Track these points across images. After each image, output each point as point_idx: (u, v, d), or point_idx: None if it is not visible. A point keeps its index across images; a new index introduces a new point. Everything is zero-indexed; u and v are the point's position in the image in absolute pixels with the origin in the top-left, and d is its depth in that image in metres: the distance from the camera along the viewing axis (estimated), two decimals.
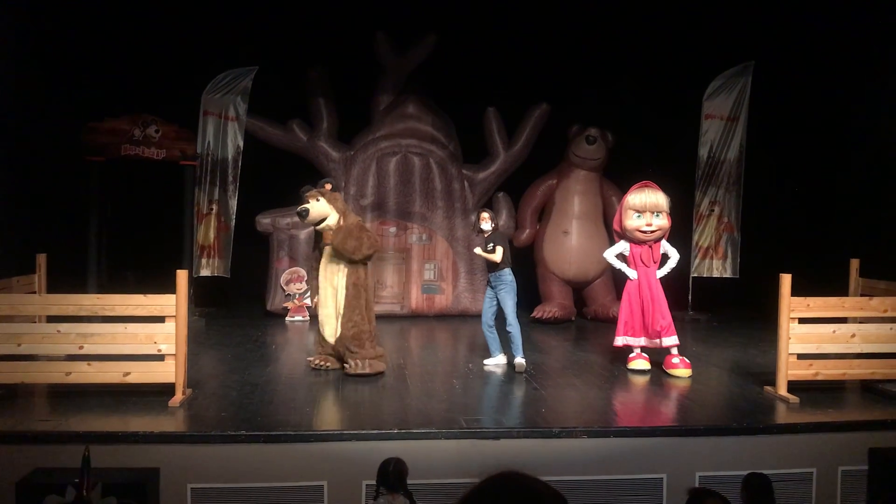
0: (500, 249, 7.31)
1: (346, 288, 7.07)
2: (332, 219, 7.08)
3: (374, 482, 4.51)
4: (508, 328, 7.35)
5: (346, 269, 7.09)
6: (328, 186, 7.38)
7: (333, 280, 7.14)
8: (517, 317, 7.42)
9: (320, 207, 7.04)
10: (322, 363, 7.16)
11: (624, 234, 7.49)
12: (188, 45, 10.02)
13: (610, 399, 6.52)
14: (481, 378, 7.16)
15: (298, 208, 7.06)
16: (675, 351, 7.25)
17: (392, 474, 4.40)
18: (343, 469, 5.19)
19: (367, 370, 6.87)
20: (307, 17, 10.31)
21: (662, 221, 7.33)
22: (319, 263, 7.28)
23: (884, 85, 8.89)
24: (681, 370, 7.14)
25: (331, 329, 7.18)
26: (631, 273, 7.43)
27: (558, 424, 5.59)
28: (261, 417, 5.63)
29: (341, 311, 7.09)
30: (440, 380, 7.03)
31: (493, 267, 7.44)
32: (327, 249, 7.15)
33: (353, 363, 6.90)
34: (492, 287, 7.50)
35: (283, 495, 5.14)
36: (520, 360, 7.28)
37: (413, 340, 9.29)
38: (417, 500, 4.59)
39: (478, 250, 7.49)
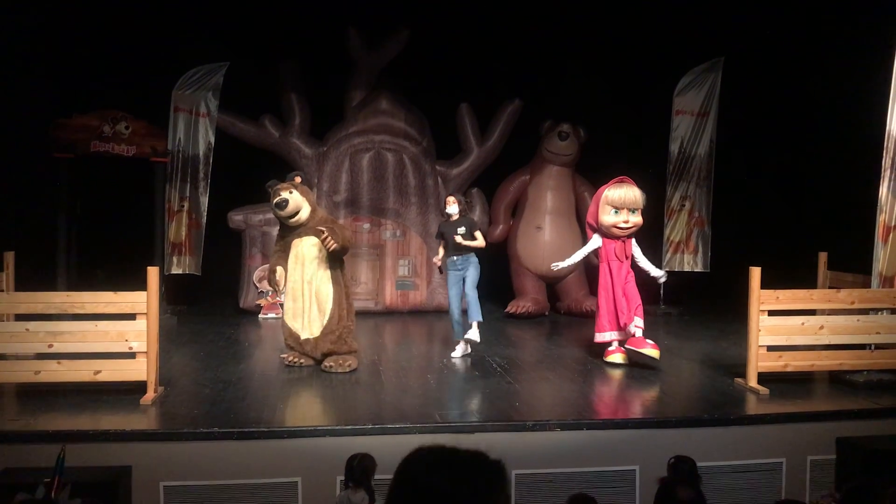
0: (479, 234, 7.64)
1: (333, 283, 7.06)
2: (305, 212, 7.06)
3: None
4: (471, 293, 7.54)
5: (326, 264, 7.06)
6: (298, 179, 7.31)
7: (307, 275, 7.07)
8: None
9: (296, 199, 7.01)
10: (296, 360, 7.12)
11: (598, 229, 7.53)
12: (158, 41, 9.91)
13: (583, 392, 6.56)
14: (455, 373, 7.17)
15: (276, 199, 6.93)
16: (641, 333, 7.21)
17: (357, 469, 4.43)
18: (317, 465, 5.17)
19: (346, 370, 6.91)
20: (279, 12, 10.24)
21: (638, 219, 7.40)
22: (287, 256, 7.14)
23: (851, 80, 9.00)
24: (649, 350, 7.09)
25: (303, 323, 7.11)
26: (581, 253, 7.66)
27: (532, 418, 5.62)
28: (234, 414, 5.60)
29: (325, 307, 7.05)
30: (414, 375, 7.03)
31: (464, 250, 7.48)
32: (301, 244, 7.10)
33: (333, 364, 6.93)
34: (457, 270, 7.58)
35: (257, 492, 5.11)
36: (475, 328, 7.51)
37: (387, 336, 9.29)
38: None
39: (460, 238, 7.47)
